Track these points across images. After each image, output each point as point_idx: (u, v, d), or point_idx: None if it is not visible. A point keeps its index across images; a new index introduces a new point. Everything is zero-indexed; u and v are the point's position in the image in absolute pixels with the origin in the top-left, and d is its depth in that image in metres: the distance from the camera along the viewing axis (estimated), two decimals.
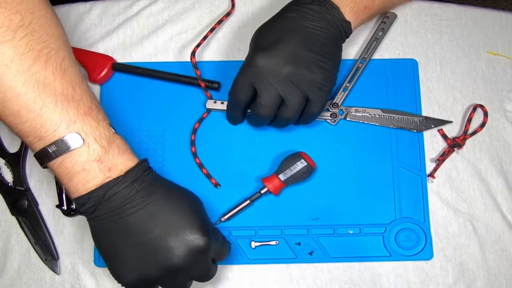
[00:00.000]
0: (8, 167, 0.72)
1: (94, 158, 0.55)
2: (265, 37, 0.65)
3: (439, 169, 0.72)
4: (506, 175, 0.72)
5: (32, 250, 0.71)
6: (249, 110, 0.70)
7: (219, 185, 0.72)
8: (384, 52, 0.76)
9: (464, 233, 0.71)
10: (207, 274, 0.63)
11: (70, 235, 0.72)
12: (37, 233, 0.71)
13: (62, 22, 0.75)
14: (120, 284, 0.60)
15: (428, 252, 0.70)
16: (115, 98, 0.75)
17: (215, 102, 0.73)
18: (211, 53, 0.77)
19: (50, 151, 0.54)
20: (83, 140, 0.55)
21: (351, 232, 0.70)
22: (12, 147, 0.74)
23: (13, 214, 0.71)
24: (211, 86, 0.74)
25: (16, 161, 0.72)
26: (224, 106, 0.73)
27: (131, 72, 0.74)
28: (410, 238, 0.70)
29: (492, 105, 0.74)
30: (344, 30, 0.66)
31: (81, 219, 0.71)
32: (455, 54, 0.76)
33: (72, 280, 0.70)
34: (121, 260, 0.58)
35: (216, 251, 0.62)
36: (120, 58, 0.76)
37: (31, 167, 0.73)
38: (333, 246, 0.70)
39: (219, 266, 0.69)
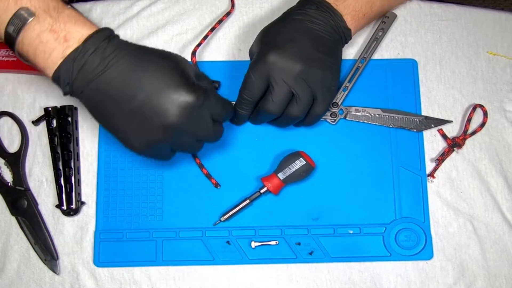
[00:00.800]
0: (7, 167, 0.72)
1: (46, 28, 0.54)
2: (275, 36, 0.65)
3: (439, 169, 0.72)
4: (506, 175, 0.72)
5: (31, 250, 0.70)
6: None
7: (219, 185, 0.71)
8: (384, 52, 0.76)
9: (464, 233, 0.70)
10: (211, 134, 0.61)
11: (70, 235, 0.71)
12: (37, 233, 0.70)
13: None
14: (135, 153, 0.59)
15: (428, 252, 0.69)
16: None
17: None
18: (211, 53, 0.76)
19: (10, 32, 0.54)
20: (33, 13, 0.54)
21: (351, 232, 0.70)
22: (12, 147, 0.73)
23: (12, 214, 0.71)
24: None
25: (15, 161, 0.72)
26: None
27: None
28: (410, 238, 0.69)
29: (492, 105, 0.74)
30: (344, 37, 0.68)
31: (80, 219, 0.71)
32: (454, 54, 0.76)
33: (71, 280, 0.70)
34: (125, 129, 0.57)
35: (211, 107, 0.59)
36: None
37: (31, 167, 0.72)
38: (333, 246, 0.70)
39: (218, 266, 0.70)
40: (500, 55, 0.76)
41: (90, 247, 0.70)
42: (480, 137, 0.73)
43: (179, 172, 0.72)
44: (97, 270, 0.70)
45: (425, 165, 0.71)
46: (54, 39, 0.54)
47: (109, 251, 0.70)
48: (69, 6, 0.57)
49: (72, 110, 0.72)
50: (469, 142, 0.73)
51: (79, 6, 0.77)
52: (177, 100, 0.55)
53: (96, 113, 0.58)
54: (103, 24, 0.77)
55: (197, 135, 0.60)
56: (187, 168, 0.72)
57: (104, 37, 0.56)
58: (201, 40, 0.74)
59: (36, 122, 0.73)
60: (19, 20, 0.54)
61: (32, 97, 0.74)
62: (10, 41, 0.56)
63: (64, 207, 0.70)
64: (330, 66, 0.65)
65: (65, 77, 0.55)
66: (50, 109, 0.72)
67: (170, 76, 0.56)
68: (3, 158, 0.72)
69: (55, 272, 0.70)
